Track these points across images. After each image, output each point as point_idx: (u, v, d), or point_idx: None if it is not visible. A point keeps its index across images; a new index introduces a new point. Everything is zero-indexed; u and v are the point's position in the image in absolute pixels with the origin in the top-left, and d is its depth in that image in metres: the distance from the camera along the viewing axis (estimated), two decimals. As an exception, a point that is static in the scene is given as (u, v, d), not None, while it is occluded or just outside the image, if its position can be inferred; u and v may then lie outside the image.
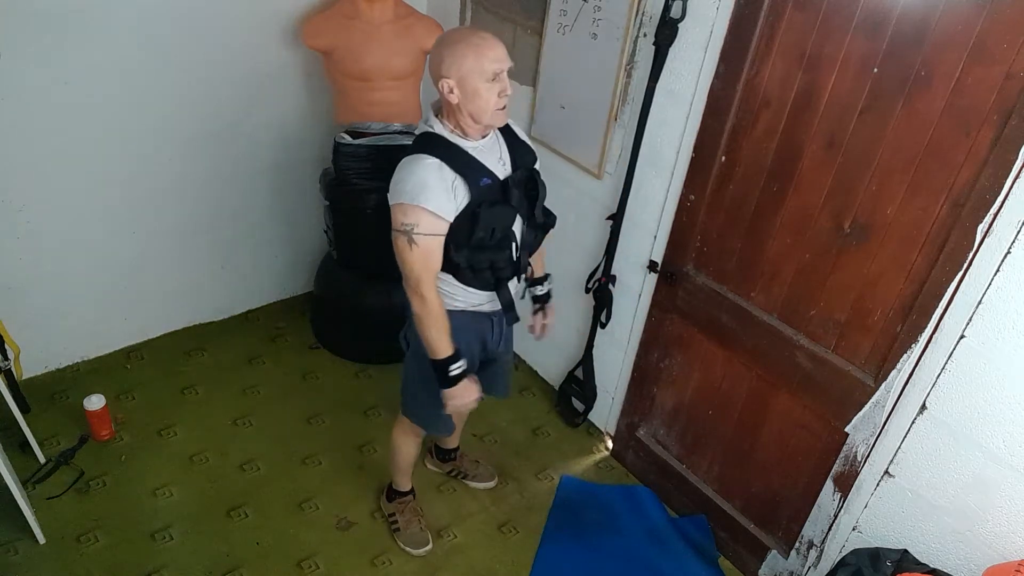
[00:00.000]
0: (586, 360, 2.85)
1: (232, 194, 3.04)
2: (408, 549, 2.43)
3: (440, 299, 1.87)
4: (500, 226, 1.85)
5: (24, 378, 2.80)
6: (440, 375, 1.90)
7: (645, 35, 2.25)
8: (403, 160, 1.81)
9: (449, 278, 1.92)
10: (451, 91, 1.73)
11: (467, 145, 1.81)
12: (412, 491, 2.51)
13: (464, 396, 1.95)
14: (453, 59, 1.70)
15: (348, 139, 2.77)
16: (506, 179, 1.86)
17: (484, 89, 1.72)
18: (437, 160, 1.75)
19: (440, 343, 1.87)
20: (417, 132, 1.86)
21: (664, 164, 2.34)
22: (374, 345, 3.17)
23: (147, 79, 2.60)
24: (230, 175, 3.00)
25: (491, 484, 2.69)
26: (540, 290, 2.18)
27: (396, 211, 1.78)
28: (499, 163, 1.87)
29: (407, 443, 2.33)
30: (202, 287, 3.16)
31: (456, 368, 1.89)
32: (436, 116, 1.83)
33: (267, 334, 3.27)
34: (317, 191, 3.03)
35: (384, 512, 2.54)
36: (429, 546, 2.44)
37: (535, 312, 2.22)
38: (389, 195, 1.81)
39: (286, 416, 2.89)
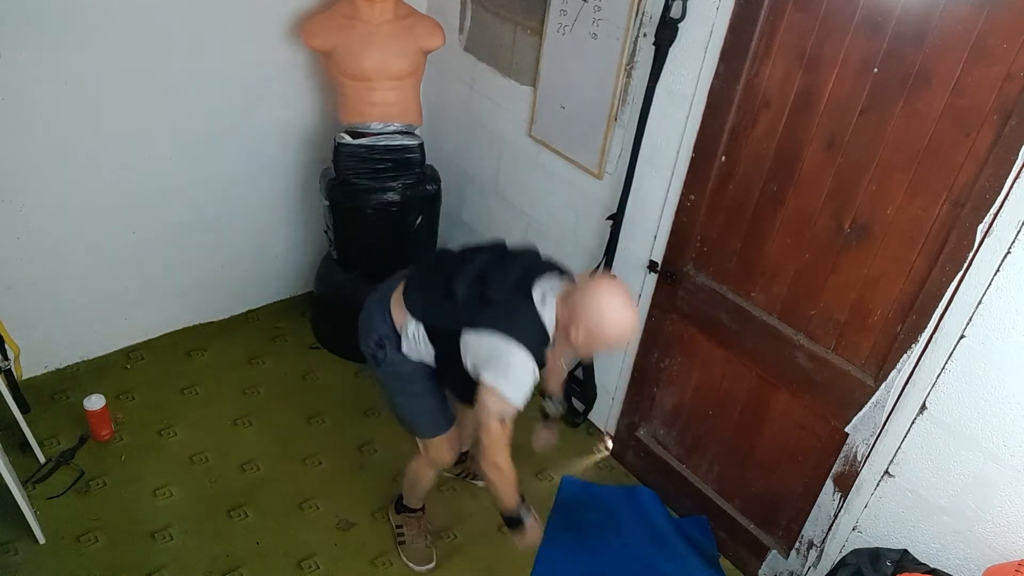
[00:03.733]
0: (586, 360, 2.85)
1: (232, 194, 3.04)
2: (411, 565, 2.42)
3: (511, 464, 1.97)
4: None
5: (24, 378, 2.80)
6: (510, 522, 2.07)
7: (645, 35, 2.25)
8: (504, 340, 1.78)
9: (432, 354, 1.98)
10: (576, 333, 1.78)
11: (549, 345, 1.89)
12: (423, 507, 2.48)
13: (532, 535, 2.09)
14: (593, 327, 1.74)
15: (348, 139, 2.77)
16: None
17: (599, 350, 1.85)
18: (534, 362, 1.81)
19: (511, 499, 2.02)
20: (536, 297, 1.83)
21: (664, 164, 2.34)
22: (374, 345, 3.17)
23: (147, 79, 2.60)
24: (230, 175, 2.99)
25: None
26: (555, 409, 2.38)
27: (493, 397, 1.82)
28: None
29: (426, 475, 2.33)
30: (202, 287, 3.16)
31: (524, 515, 2.06)
32: (556, 303, 1.83)
33: (267, 334, 3.27)
34: (317, 191, 3.03)
35: (392, 523, 2.52)
36: (432, 564, 2.42)
37: (544, 428, 2.42)
38: (485, 371, 1.81)
39: (286, 416, 2.88)
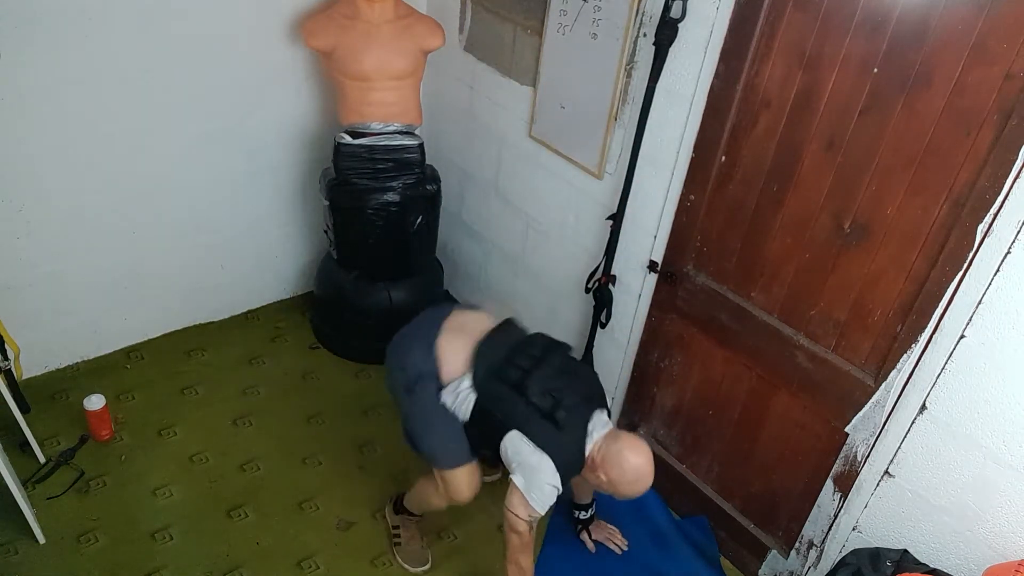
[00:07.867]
0: (586, 360, 2.85)
1: (232, 194, 3.04)
2: (406, 566, 2.41)
3: (532, 565, 2.09)
4: None
5: (24, 378, 2.80)
6: None
7: (645, 35, 2.25)
8: (548, 460, 1.94)
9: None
10: (598, 478, 1.99)
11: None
12: (423, 515, 2.45)
13: None
14: (615, 479, 1.95)
15: (348, 139, 2.77)
16: None
17: (614, 494, 2.02)
18: (560, 484, 1.95)
19: None
20: (589, 431, 2.00)
21: (664, 164, 2.34)
22: (374, 345, 3.16)
23: (147, 79, 2.60)
24: (230, 175, 3.00)
25: (496, 475, 2.66)
26: (583, 515, 2.50)
27: (521, 503, 1.96)
28: None
29: (437, 505, 2.26)
30: (202, 287, 3.16)
31: None
32: (595, 445, 1.99)
33: (267, 334, 3.27)
34: (317, 191, 3.03)
35: (388, 521, 2.51)
36: (427, 565, 2.42)
37: (579, 532, 2.53)
38: (522, 474, 1.96)
39: (286, 416, 2.89)
